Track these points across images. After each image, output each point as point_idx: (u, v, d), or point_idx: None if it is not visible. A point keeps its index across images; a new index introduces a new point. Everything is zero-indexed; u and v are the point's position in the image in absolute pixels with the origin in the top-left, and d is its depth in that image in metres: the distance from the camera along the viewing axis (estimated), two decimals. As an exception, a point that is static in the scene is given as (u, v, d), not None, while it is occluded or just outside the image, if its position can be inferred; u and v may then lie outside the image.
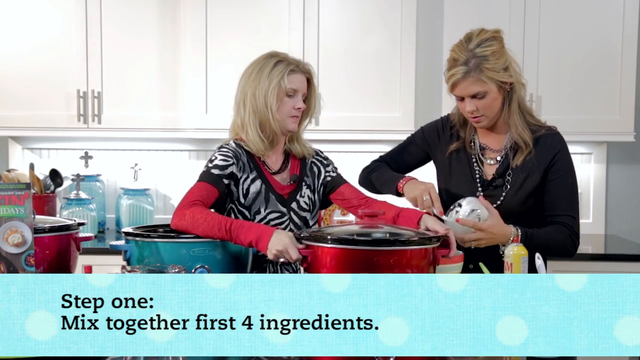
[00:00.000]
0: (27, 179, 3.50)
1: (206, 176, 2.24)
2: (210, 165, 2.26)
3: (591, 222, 3.95)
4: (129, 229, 2.17)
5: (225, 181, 2.25)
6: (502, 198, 2.38)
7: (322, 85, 3.58)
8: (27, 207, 1.90)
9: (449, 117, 2.51)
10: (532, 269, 2.17)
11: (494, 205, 2.35)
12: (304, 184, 2.38)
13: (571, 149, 3.85)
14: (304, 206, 2.36)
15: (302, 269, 2.00)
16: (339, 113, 3.60)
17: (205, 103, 3.58)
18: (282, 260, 1.99)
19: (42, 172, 3.70)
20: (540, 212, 2.40)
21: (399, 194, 2.40)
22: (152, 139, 3.89)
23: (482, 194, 2.39)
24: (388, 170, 2.51)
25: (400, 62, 3.58)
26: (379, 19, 3.58)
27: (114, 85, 3.65)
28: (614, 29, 3.59)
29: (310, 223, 2.39)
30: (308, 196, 2.38)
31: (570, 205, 2.37)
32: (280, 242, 2.00)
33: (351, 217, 3.76)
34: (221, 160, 2.25)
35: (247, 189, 2.28)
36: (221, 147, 2.31)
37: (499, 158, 2.42)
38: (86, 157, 3.88)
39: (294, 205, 2.33)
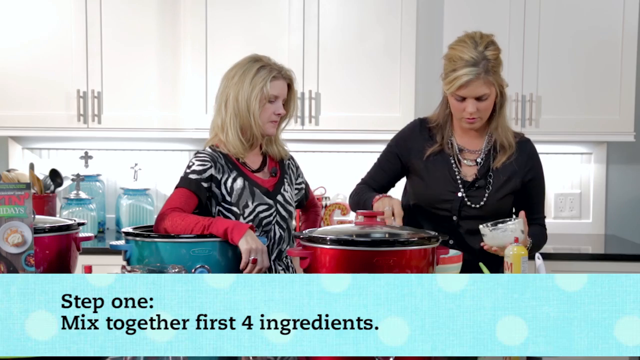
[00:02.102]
0: (27, 179, 3.50)
1: (184, 182, 2.29)
2: (188, 171, 2.31)
3: (591, 222, 3.95)
4: (129, 229, 2.18)
5: (205, 184, 2.29)
6: (484, 199, 2.43)
7: (322, 85, 3.58)
8: (27, 207, 1.90)
9: (426, 120, 2.53)
10: (532, 269, 2.17)
11: (477, 206, 2.43)
12: (285, 180, 2.44)
13: (571, 148, 3.91)
14: (289, 200, 2.42)
15: (300, 269, 2.00)
16: (339, 113, 3.60)
17: (205, 103, 3.58)
18: (252, 257, 2.08)
19: (42, 172, 3.69)
20: (510, 212, 2.49)
21: None
22: (152, 139, 3.89)
23: (465, 194, 2.43)
24: (366, 191, 2.50)
25: (400, 62, 3.58)
26: (379, 19, 3.58)
27: (114, 85, 3.64)
28: (614, 28, 3.58)
29: (293, 220, 2.48)
30: (290, 192, 2.44)
31: (543, 207, 2.54)
32: (257, 242, 2.11)
33: (351, 218, 3.77)
34: (199, 165, 2.30)
35: (231, 187, 2.32)
36: (197, 152, 2.36)
37: (478, 160, 2.46)
38: (86, 157, 3.88)
39: (279, 197, 2.39)
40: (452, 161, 2.45)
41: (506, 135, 2.44)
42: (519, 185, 2.45)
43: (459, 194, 2.43)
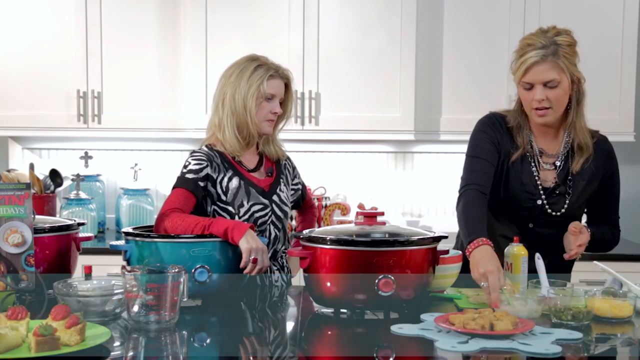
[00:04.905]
0: (27, 179, 3.50)
1: (182, 182, 2.29)
2: (184, 170, 2.31)
3: (591, 222, 3.94)
4: (129, 229, 2.17)
5: (202, 184, 2.29)
6: (565, 206, 2.31)
7: (322, 85, 3.58)
8: (27, 207, 1.90)
9: (504, 119, 2.36)
10: (533, 269, 2.16)
11: (558, 214, 2.31)
12: (281, 180, 2.44)
13: (571, 148, 3.90)
14: (285, 200, 2.43)
15: (296, 269, 2.00)
16: (339, 113, 3.60)
17: (205, 103, 3.58)
18: (252, 257, 2.06)
19: (42, 172, 3.69)
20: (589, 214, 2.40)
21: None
22: (152, 139, 3.89)
23: (545, 202, 2.31)
24: (475, 214, 2.19)
25: (400, 62, 3.58)
26: (379, 19, 3.58)
27: (114, 85, 3.64)
28: (614, 29, 3.58)
29: (289, 220, 2.48)
30: (285, 192, 2.45)
31: (618, 207, 2.47)
32: (258, 242, 2.09)
33: (351, 218, 3.77)
34: (195, 164, 2.30)
35: (226, 187, 2.32)
36: (193, 152, 2.36)
37: (557, 163, 2.33)
38: (86, 157, 3.88)
39: (275, 197, 2.39)
40: (533, 165, 2.32)
41: (583, 135, 2.31)
42: (596, 188, 2.35)
43: (539, 202, 2.30)
